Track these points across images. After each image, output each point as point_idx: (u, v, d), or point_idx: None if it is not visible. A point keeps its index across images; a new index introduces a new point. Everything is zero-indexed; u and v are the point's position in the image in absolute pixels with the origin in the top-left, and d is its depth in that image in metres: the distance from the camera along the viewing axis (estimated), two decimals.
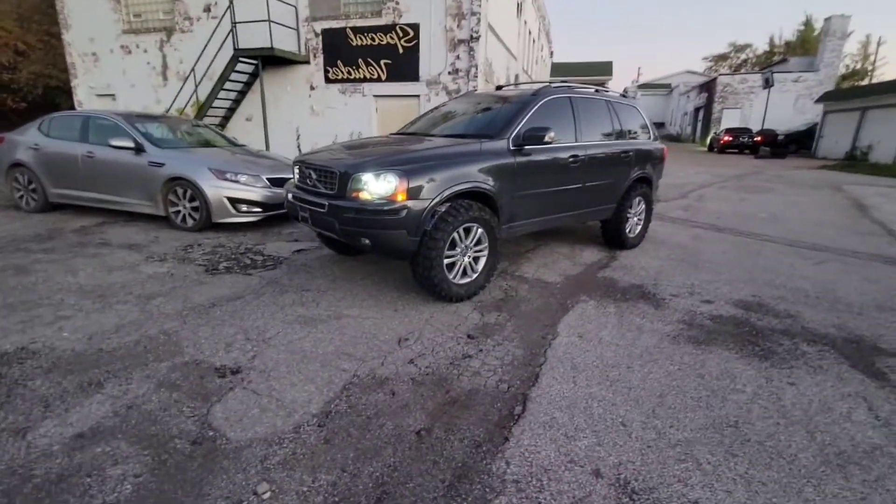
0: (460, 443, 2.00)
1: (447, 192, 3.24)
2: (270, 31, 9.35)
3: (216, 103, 10.26)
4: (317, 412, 2.16)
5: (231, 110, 10.94)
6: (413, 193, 3.13)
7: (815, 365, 2.75)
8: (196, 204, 5.28)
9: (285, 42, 10.02)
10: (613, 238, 5.18)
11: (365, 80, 10.00)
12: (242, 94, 10.78)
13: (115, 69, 11.98)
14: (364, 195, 3.14)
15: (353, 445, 1.96)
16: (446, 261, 3.38)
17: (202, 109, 10.07)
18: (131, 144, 5.40)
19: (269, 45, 9.41)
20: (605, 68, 24.00)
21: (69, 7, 12.02)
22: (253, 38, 9.58)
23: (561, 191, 4.22)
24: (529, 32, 17.09)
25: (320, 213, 3.37)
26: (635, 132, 5.20)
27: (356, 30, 9.75)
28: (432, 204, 3.19)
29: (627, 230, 5.17)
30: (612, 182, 4.79)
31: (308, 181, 3.58)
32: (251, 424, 2.06)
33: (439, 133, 4.22)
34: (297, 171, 3.77)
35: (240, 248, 4.78)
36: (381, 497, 1.70)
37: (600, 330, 3.14)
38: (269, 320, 3.12)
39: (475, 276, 3.62)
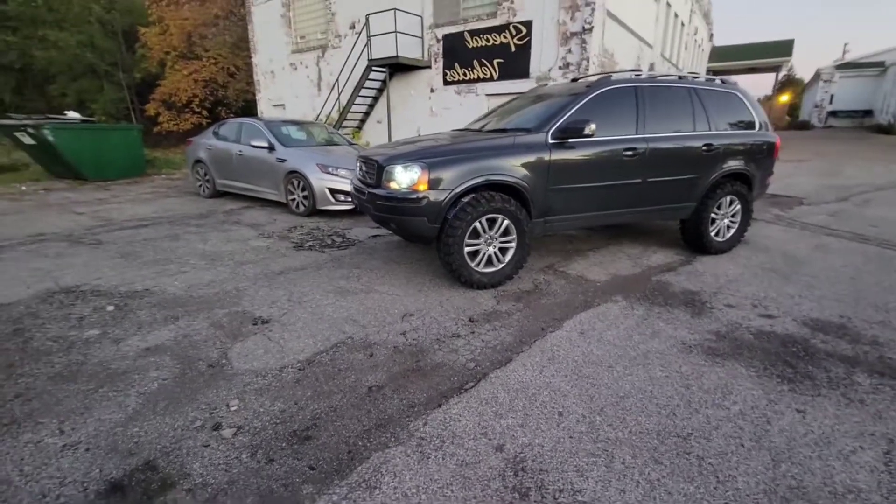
0: (399, 402, 2.26)
1: (468, 184, 3.44)
2: (396, 41, 10.36)
3: (354, 108, 11.77)
4: (303, 359, 2.64)
5: (367, 114, 12.42)
6: (434, 184, 3.41)
7: (854, 398, 2.27)
8: (306, 193, 6.32)
9: (412, 50, 10.99)
10: (693, 240, 4.67)
11: (478, 80, 10.41)
12: (376, 99, 12.14)
13: (286, 83, 14.54)
14: (393, 185, 3.52)
15: (315, 387, 2.37)
16: (469, 249, 3.58)
17: (342, 114, 11.66)
18: (265, 144, 6.71)
19: (395, 54, 10.45)
20: (782, 49, 20.22)
21: (258, 35, 14.94)
22: (387, 48, 10.73)
23: (613, 186, 4.02)
24: (676, 15, 15.48)
25: (363, 201, 3.87)
26: (733, 122, 4.58)
27: (473, 32, 10.20)
28: (452, 194, 3.42)
29: (713, 232, 4.61)
30: (689, 178, 4.34)
31: (360, 173, 4.12)
32: (253, 360, 2.62)
33: (492, 127, 4.38)
34: (358, 164, 4.34)
35: (329, 231, 5.62)
36: (311, 426, 2.08)
37: (608, 329, 3.01)
38: (313, 288, 3.73)
39: (501, 266, 3.74)
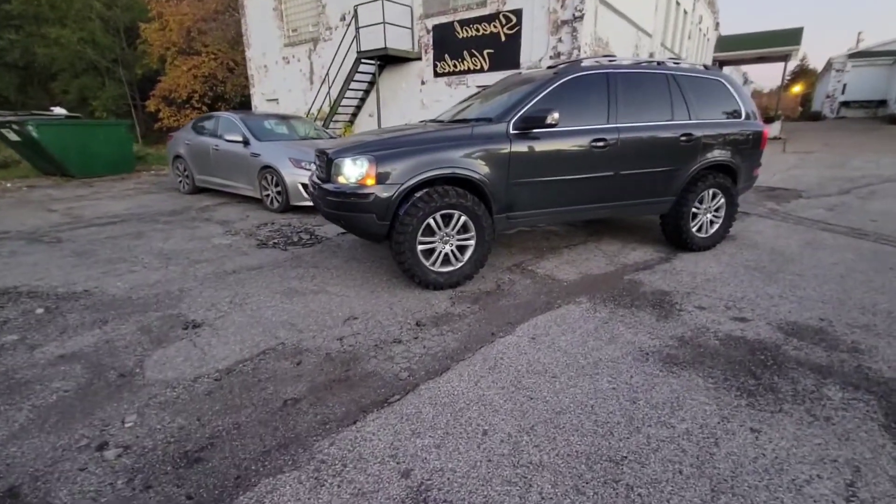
0: (313, 418, 2.06)
1: (418, 178, 3.21)
2: (385, 32, 10.11)
3: (345, 102, 11.55)
4: (222, 368, 2.44)
5: (358, 108, 12.19)
6: (382, 178, 3.19)
7: (820, 415, 2.02)
8: (279, 189, 6.13)
9: (401, 42, 10.73)
10: (673, 236, 4.41)
11: (469, 71, 10.13)
12: (367, 92, 11.91)
13: (279, 77, 14.34)
14: (342, 179, 3.30)
15: (225, 400, 2.18)
16: (423, 247, 3.37)
17: (333, 108, 11.45)
18: (240, 138, 6.53)
19: (384, 46, 10.20)
20: (790, 37, 19.56)
21: (251, 29, 14.76)
22: (376, 40, 10.46)
23: (582, 179, 3.77)
24: (678, 3, 15.01)
25: (315, 196, 3.67)
26: (717, 111, 4.30)
27: (463, 22, 9.92)
28: (402, 189, 3.20)
29: (695, 228, 4.34)
30: (666, 170, 4.07)
31: (316, 167, 3.91)
32: (169, 369, 2.43)
33: (458, 117, 4.14)
34: (315, 157, 4.13)
35: (299, 228, 5.43)
36: (207, 445, 1.88)
37: (563, 334, 2.78)
38: (261, 289, 3.54)
39: (459, 265, 3.51)
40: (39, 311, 3.14)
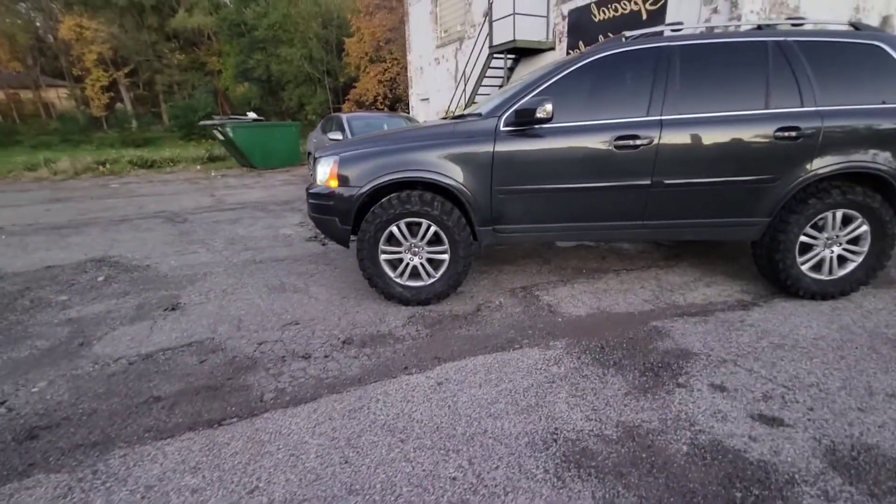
0: (148, 421, 2.03)
1: (379, 181, 2.91)
2: (514, 23, 9.63)
3: (478, 98, 11.48)
4: (144, 353, 2.61)
5: None
6: (344, 181, 3.00)
7: None
8: None
9: (536, 32, 10.09)
10: (769, 273, 3.10)
11: None
12: (501, 87, 11.60)
13: (430, 78, 15.08)
14: (319, 180, 3.22)
15: (111, 386, 2.31)
16: (389, 257, 3.06)
17: (467, 105, 11.50)
18: (340, 136, 7.06)
19: (513, 38, 9.73)
20: None
21: (412, 34, 15.84)
22: (517, 33, 10.03)
23: (599, 189, 2.91)
24: None
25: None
26: (868, 94, 2.83)
27: (600, 3, 8.78)
28: (362, 192, 2.95)
29: (806, 265, 2.98)
30: (746, 181, 2.86)
31: None
32: (112, 346, 2.72)
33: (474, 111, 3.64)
34: None
35: None
36: (52, 425, 2.02)
37: (481, 386, 2.19)
38: (260, 280, 3.72)
39: (431, 280, 3.09)
40: (101, 278, 3.90)
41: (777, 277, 3.01)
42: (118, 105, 33.54)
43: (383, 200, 2.95)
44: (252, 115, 12.61)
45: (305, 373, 2.38)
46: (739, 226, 2.99)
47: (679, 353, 2.44)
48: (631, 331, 2.70)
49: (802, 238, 2.92)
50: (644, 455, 1.72)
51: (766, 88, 2.81)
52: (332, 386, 2.25)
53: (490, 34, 10.39)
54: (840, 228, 2.92)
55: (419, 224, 2.97)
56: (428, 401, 2.10)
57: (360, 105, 25.42)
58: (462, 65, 13.19)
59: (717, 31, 2.98)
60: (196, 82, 34.03)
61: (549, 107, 2.66)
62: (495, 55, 10.49)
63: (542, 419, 1.94)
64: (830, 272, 2.99)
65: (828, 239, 2.94)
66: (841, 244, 2.96)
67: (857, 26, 2.99)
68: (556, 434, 1.85)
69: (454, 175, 2.88)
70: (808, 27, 2.99)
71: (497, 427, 1.90)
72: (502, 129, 2.87)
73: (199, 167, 13.03)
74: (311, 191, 3.20)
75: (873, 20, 8.99)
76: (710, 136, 2.82)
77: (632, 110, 2.85)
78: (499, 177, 2.89)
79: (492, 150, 2.85)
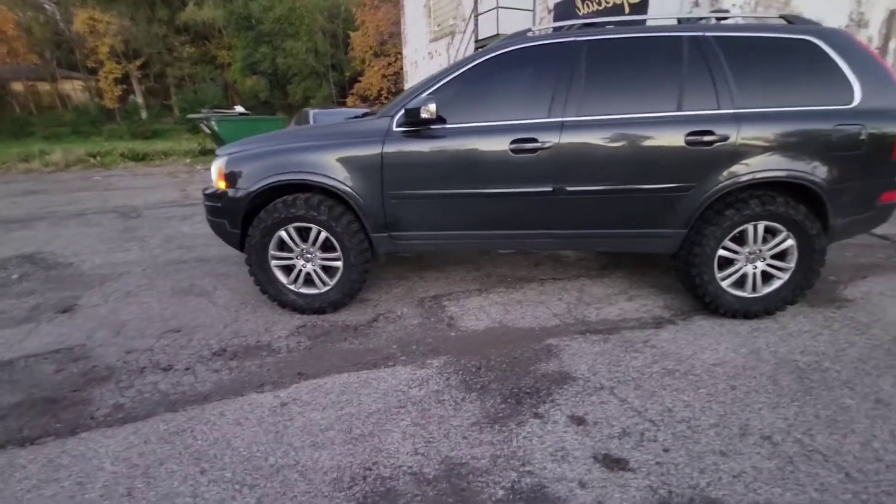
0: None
1: (263, 183, 2.75)
2: (498, 17, 9.38)
3: None
4: (7, 359, 2.50)
5: None
6: (231, 181, 2.84)
7: None
8: None
9: (522, 26, 9.77)
10: (689, 289, 2.86)
11: None
12: None
13: (425, 73, 14.82)
14: (213, 181, 3.07)
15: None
16: (280, 262, 2.91)
17: None
18: None
19: (496, 33, 9.47)
20: None
21: (407, 28, 15.63)
22: (502, 27, 9.78)
23: (496, 196, 2.70)
24: None
25: None
26: (798, 94, 2.56)
27: None
28: (248, 194, 2.79)
29: (726, 281, 2.73)
30: (656, 189, 2.63)
31: None
32: (45, 336, 2.69)
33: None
34: None
35: None
36: None
37: (325, 409, 2.03)
38: (170, 282, 3.60)
39: (325, 288, 2.92)
40: (15, 276, 3.82)
41: (696, 293, 2.78)
42: (130, 97, 34.00)
43: (269, 205, 2.79)
44: (239, 108, 12.57)
45: (155, 387, 2.25)
46: (654, 237, 2.75)
47: (557, 376, 2.24)
48: (520, 349, 2.50)
49: (721, 252, 2.68)
50: (451, 500, 1.54)
51: (679, 88, 2.57)
52: (173, 403, 2.11)
53: (476, 28, 10.15)
54: (764, 242, 2.67)
55: (309, 229, 2.81)
56: (259, 425, 1.94)
57: (365, 100, 25.33)
58: (453, 59, 12.97)
59: (631, 25, 2.73)
60: (206, 75, 34.26)
61: (432, 107, 2.47)
62: (480, 50, 10.21)
63: (367, 451, 1.77)
64: (754, 289, 2.74)
65: (750, 253, 2.69)
66: (765, 259, 2.70)
67: (789, 19, 2.71)
68: (370, 470, 1.67)
69: (342, 178, 2.71)
70: (738, 21, 2.73)
71: (312, 459, 1.74)
72: (395, 129, 2.69)
73: (188, 160, 13.05)
74: (205, 192, 3.06)
75: (878, 14, 8.53)
76: (616, 140, 2.59)
77: (532, 111, 2.63)
78: (390, 180, 2.71)
79: (381, 151, 2.67)
